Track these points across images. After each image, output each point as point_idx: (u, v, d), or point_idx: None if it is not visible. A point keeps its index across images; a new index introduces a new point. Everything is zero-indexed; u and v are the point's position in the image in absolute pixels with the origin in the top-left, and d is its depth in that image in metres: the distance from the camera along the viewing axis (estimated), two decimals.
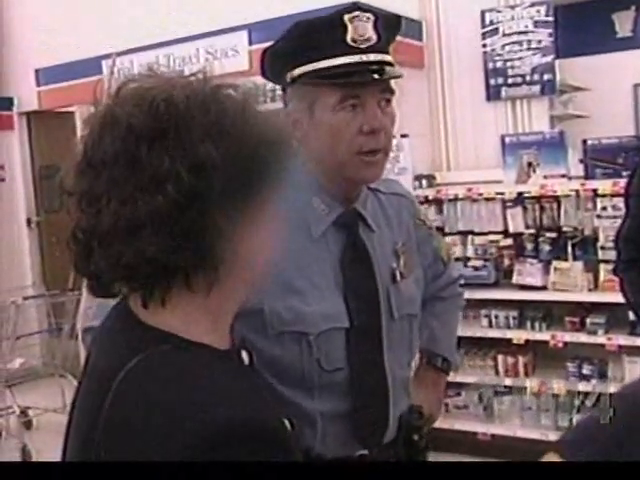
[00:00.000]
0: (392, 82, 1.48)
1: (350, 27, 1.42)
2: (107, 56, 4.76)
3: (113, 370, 0.84)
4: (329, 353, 1.47)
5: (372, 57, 1.43)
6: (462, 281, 1.97)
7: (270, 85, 4.37)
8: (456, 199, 4.24)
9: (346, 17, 1.43)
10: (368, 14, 1.45)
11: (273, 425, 0.84)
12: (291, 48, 1.48)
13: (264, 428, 0.81)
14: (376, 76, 1.43)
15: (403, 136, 4.09)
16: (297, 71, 1.47)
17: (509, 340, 4.09)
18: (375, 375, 1.53)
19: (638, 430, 0.81)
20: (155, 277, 0.85)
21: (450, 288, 1.88)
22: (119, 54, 4.25)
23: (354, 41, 1.42)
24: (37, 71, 5.83)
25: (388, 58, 1.47)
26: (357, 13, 1.43)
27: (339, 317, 1.48)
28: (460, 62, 4.64)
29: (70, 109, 5.67)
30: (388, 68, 1.46)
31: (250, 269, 0.92)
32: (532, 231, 4.10)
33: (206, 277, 0.86)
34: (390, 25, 1.51)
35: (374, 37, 1.44)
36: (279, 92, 4.29)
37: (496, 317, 4.13)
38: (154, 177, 0.81)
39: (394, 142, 4.01)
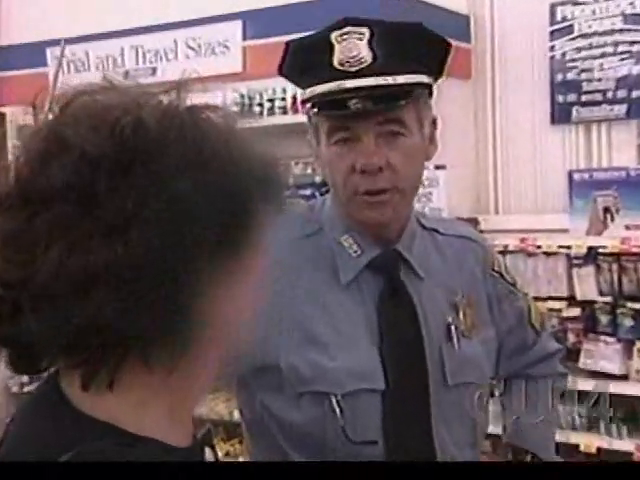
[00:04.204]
0: (403, 111, 1.47)
1: (337, 47, 1.45)
2: (54, 42, 4.21)
3: None
4: (358, 420, 1.47)
5: (363, 82, 1.43)
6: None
7: (268, 94, 4.15)
8: (505, 251, 3.84)
9: (333, 35, 1.46)
10: (362, 29, 1.46)
11: None
12: (288, 70, 1.55)
13: None
14: (359, 106, 1.43)
15: (438, 167, 3.67)
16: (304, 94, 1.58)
17: (575, 446, 3.59)
18: (419, 454, 1.53)
19: None
20: (105, 350, 0.75)
21: (543, 364, 1.81)
22: (70, 41, 3.66)
23: (342, 64, 1.45)
24: None
25: (389, 80, 1.46)
26: (347, 29, 1.45)
27: (371, 376, 1.49)
28: (518, 71, 4.24)
29: None
30: (389, 92, 1.45)
31: (227, 338, 0.85)
32: (608, 299, 3.77)
33: (171, 350, 0.77)
34: (397, 37, 1.49)
35: (368, 57, 1.45)
36: (278, 104, 3.97)
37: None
38: (114, 220, 0.74)
39: (425, 174, 3.64)
